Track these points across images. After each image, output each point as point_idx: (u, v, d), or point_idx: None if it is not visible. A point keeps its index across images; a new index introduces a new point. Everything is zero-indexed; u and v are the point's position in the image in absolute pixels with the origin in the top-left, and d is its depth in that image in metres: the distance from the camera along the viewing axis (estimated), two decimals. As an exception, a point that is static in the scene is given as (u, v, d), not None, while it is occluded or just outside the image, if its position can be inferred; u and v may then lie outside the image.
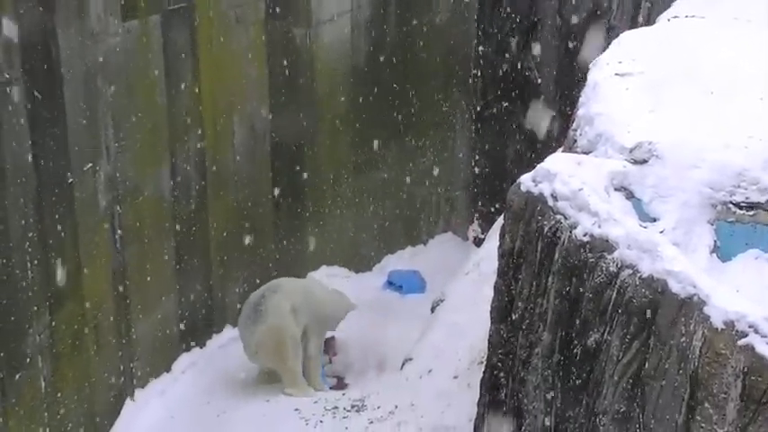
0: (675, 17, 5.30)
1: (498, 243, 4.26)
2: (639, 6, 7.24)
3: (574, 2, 7.74)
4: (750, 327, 3.40)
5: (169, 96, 6.67)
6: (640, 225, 3.93)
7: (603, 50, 5.04)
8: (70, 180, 5.91)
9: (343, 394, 6.72)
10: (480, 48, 8.28)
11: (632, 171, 4.11)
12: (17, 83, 5.41)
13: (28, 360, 5.65)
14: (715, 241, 4.02)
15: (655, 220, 4.04)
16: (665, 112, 4.36)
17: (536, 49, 8.00)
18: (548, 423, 4.06)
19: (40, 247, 5.70)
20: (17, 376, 5.55)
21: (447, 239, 8.66)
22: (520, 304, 4.13)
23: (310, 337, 6.95)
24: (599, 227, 3.81)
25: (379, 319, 7.63)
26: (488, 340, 4.40)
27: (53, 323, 5.86)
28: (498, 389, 4.33)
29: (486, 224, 8.11)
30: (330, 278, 7.99)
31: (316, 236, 7.92)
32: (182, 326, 7.12)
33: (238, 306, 7.23)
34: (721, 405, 3.43)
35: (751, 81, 4.55)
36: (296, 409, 6.52)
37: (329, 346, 7.39)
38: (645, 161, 4.13)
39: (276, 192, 7.58)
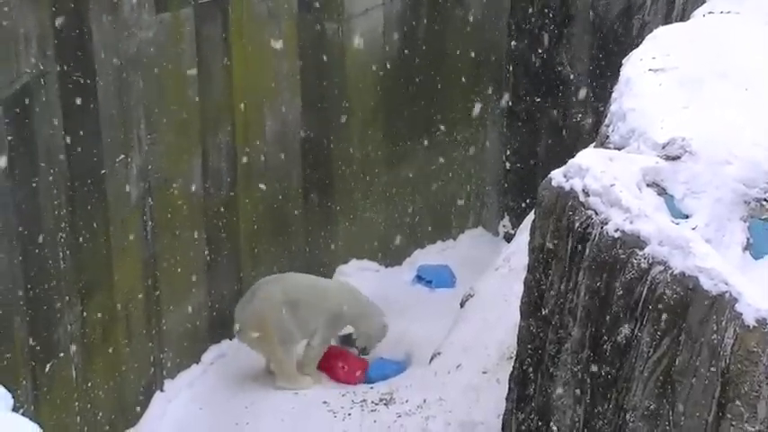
0: (710, 13, 5.25)
1: (529, 238, 4.25)
2: (674, 2, 7.19)
3: (607, -3, 7.71)
4: (782, 325, 3.38)
5: (201, 89, 6.69)
6: (672, 221, 3.91)
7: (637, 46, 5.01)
8: (102, 171, 5.95)
9: (371, 388, 6.73)
10: (513, 42, 8.25)
11: (665, 167, 4.09)
12: (51, 74, 5.46)
13: (60, 349, 5.70)
14: (748, 238, 4.00)
15: (687, 216, 4.02)
16: (698, 108, 4.33)
17: (569, 43, 7.97)
18: (576, 419, 4.05)
19: (72, 237, 5.75)
20: (49, 365, 5.60)
21: (477, 234, 8.64)
22: (550, 300, 4.11)
23: (317, 330, 6.95)
24: (630, 223, 3.79)
25: (408, 314, 7.62)
26: (518, 335, 4.40)
27: (84, 313, 5.90)
28: (527, 384, 4.32)
29: (517, 219, 8.08)
30: (360, 272, 7.99)
31: (345, 229, 7.92)
32: (211, 318, 7.15)
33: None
34: (752, 403, 3.41)
35: (786, 78, 4.50)
36: (324, 402, 6.54)
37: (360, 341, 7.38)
38: (677, 157, 4.11)
39: (306, 185, 7.59)
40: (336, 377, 7.02)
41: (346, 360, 7.10)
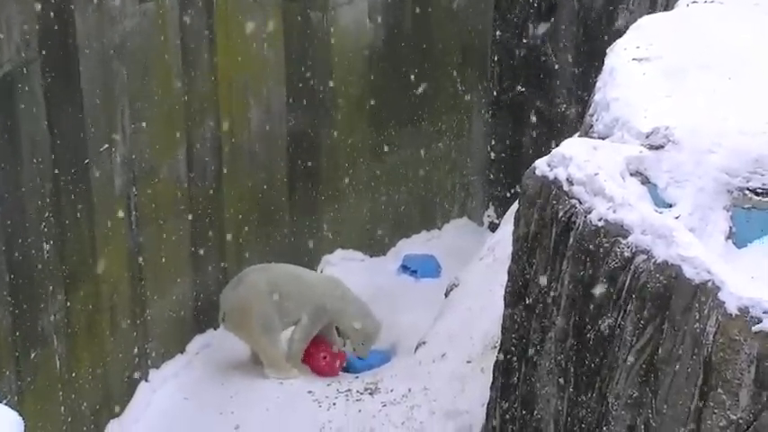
0: (694, 2, 5.26)
1: (513, 228, 4.25)
2: (658, -8, 7.20)
3: (592, -14, 7.72)
4: (764, 313, 3.39)
5: (185, 79, 6.67)
6: (655, 210, 3.92)
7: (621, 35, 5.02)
8: (86, 161, 5.94)
9: (356, 378, 6.73)
10: (498, 32, 8.26)
11: (648, 156, 4.09)
12: (34, 63, 5.43)
13: (44, 339, 5.68)
14: (731, 227, 4.01)
15: (670, 205, 4.02)
16: (682, 97, 4.34)
17: (554, 33, 7.97)
18: (560, 407, 4.06)
19: (56, 227, 5.73)
20: (32, 355, 5.59)
21: (462, 224, 8.65)
22: (534, 289, 4.12)
23: (300, 322, 6.94)
24: (614, 212, 3.80)
25: (393, 304, 7.63)
26: (502, 325, 4.40)
27: (68, 303, 5.89)
28: (511, 373, 4.33)
29: (502, 209, 8.09)
30: (345, 262, 7.99)
31: (331, 219, 7.92)
32: (196, 307, 7.15)
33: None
34: (735, 391, 3.42)
35: (769, 67, 4.52)
36: (309, 392, 6.55)
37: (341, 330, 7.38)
38: (661, 146, 4.11)
39: (291, 174, 7.58)
40: (318, 370, 7.00)
41: (325, 350, 7.08)
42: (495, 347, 4.93)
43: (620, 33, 5.22)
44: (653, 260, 3.65)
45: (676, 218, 3.92)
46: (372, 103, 7.88)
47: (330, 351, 7.06)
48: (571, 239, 3.91)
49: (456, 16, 8.09)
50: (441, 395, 6.00)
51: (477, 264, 6.56)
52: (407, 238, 8.42)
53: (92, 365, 6.16)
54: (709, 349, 3.47)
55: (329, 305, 7.01)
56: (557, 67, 8.03)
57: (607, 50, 4.88)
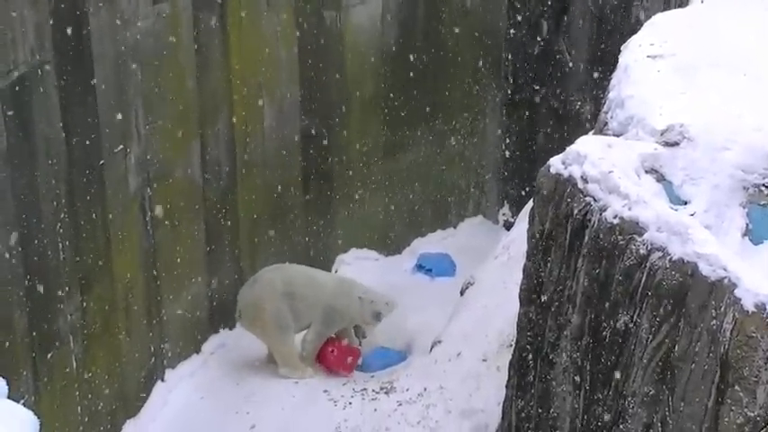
0: (709, -1, 5.26)
1: (528, 226, 4.25)
2: (672, -12, 7.18)
3: (606, -16, 7.70)
4: (781, 310, 3.38)
5: (199, 79, 6.68)
6: (671, 207, 3.91)
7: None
8: (101, 162, 5.95)
9: (372, 377, 6.73)
10: (511, 31, 8.24)
11: (663, 153, 4.09)
12: (48, 65, 5.45)
13: (60, 340, 5.70)
14: (747, 224, 4.00)
15: (686, 202, 4.02)
16: (696, 94, 4.33)
17: (568, 31, 7.95)
18: (576, 406, 4.05)
19: (72, 227, 5.74)
20: (49, 355, 5.61)
21: (477, 223, 8.64)
22: (549, 287, 4.11)
23: (312, 324, 6.96)
24: (629, 209, 3.79)
25: (408, 302, 7.62)
26: (517, 323, 4.40)
27: (84, 304, 5.90)
28: (527, 371, 4.32)
29: (517, 208, 8.08)
30: (360, 261, 7.99)
31: (345, 218, 7.92)
32: (211, 307, 7.16)
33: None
34: (752, 388, 3.41)
35: (784, 63, 4.50)
36: (325, 391, 6.55)
37: (358, 329, 7.39)
38: (676, 143, 4.11)
39: (305, 174, 7.59)
40: (326, 364, 6.99)
41: (337, 348, 7.06)
42: (511, 345, 4.92)
43: (634, 30, 5.21)
44: (669, 257, 3.64)
45: (692, 215, 3.91)
46: (386, 102, 7.88)
47: (340, 347, 7.05)
48: (586, 237, 3.90)
49: (469, 15, 8.08)
50: (456, 394, 6.00)
51: (492, 262, 6.55)
52: (422, 237, 8.41)
53: (108, 365, 6.18)
54: (726, 346, 3.46)
55: (339, 305, 7.02)
56: (570, 64, 8.01)
57: (621, 48, 4.87)
